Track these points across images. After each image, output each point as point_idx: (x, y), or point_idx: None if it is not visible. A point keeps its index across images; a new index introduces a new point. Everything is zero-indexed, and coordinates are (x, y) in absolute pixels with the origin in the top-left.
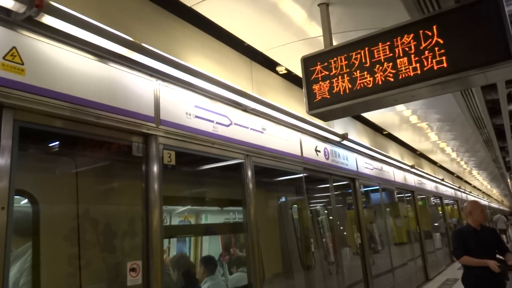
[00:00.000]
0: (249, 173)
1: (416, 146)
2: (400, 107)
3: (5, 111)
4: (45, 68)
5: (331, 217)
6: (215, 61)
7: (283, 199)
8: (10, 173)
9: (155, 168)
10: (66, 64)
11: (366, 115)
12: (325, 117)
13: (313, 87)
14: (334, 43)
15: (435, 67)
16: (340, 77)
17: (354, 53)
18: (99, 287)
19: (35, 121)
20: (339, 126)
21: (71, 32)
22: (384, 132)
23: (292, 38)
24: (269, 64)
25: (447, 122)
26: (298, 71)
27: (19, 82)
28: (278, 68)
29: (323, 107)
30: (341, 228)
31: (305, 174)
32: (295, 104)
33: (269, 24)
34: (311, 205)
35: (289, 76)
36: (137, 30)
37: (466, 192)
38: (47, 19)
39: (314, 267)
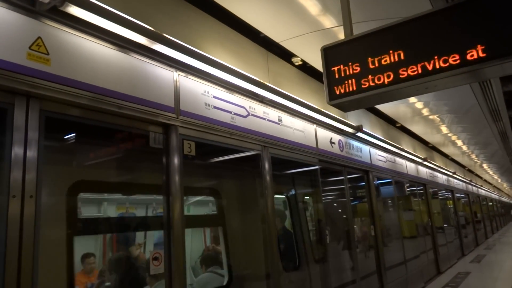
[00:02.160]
0: (266, 164)
1: (428, 138)
2: (412, 99)
3: (32, 101)
4: (69, 58)
5: (339, 210)
6: (233, 51)
7: (293, 192)
8: (37, 163)
9: (175, 159)
10: (89, 54)
11: (380, 107)
12: (345, 107)
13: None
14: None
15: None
16: None
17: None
18: None
19: (60, 111)
20: (352, 118)
21: (94, 22)
22: (397, 125)
23: (308, 29)
24: (285, 55)
25: (457, 115)
26: (313, 62)
27: (45, 72)
28: (294, 59)
29: (344, 97)
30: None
31: (320, 166)
32: (310, 95)
33: (285, 15)
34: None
35: (304, 67)
36: (157, 21)
37: (477, 185)
38: (71, 9)
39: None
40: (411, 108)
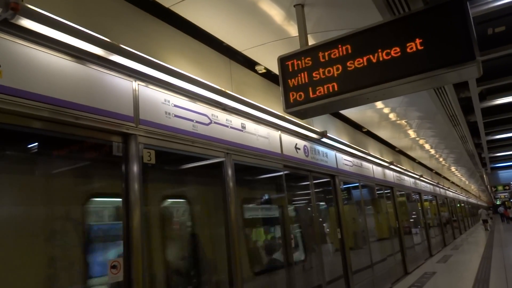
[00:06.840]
0: (230, 171)
1: (395, 143)
2: (379, 105)
3: None
4: (22, 70)
5: (313, 214)
6: (195, 61)
7: (266, 196)
8: None
9: (135, 168)
10: (44, 66)
11: (345, 112)
12: (302, 115)
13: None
14: (310, 43)
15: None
16: None
17: (327, 53)
18: None
19: (14, 123)
20: (318, 123)
21: (48, 34)
22: (364, 130)
23: (271, 38)
24: (248, 64)
25: (426, 120)
26: (277, 70)
27: None
28: (257, 67)
29: (299, 106)
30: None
31: (285, 172)
32: (274, 102)
33: (247, 24)
34: (294, 203)
35: (269, 75)
36: (114, 31)
37: (444, 187)
38: (24, 22)
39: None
40: (378, 113)
